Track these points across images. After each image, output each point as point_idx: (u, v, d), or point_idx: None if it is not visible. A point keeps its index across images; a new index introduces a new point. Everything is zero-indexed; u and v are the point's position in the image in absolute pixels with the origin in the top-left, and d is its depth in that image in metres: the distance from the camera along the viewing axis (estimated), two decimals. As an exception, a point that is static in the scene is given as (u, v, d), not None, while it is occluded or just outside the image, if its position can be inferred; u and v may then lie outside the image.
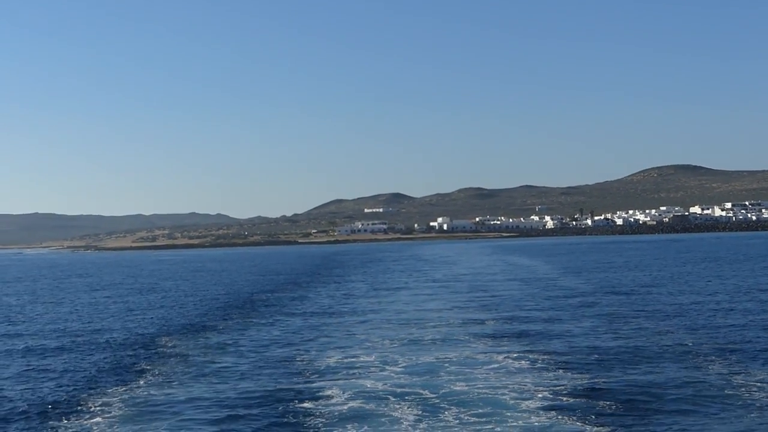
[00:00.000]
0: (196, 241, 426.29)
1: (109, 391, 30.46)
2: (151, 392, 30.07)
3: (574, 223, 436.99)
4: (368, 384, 30.32)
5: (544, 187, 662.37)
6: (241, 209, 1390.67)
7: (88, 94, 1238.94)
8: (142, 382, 31.83)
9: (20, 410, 27.91)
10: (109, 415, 26.67)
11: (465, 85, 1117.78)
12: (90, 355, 39.29)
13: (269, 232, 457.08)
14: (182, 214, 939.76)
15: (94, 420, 26.28)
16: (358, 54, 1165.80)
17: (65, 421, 26.25)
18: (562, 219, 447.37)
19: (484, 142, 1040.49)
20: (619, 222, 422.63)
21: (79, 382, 32.24)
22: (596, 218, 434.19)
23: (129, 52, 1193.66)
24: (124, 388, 30.83)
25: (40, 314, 62.20)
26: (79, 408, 27.98)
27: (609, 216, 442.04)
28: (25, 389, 31.22)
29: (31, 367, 36.23)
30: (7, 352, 41.40)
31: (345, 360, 35.77)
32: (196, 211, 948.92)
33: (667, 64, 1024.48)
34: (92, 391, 30.51)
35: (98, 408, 27.84)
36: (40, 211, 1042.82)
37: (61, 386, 31.49)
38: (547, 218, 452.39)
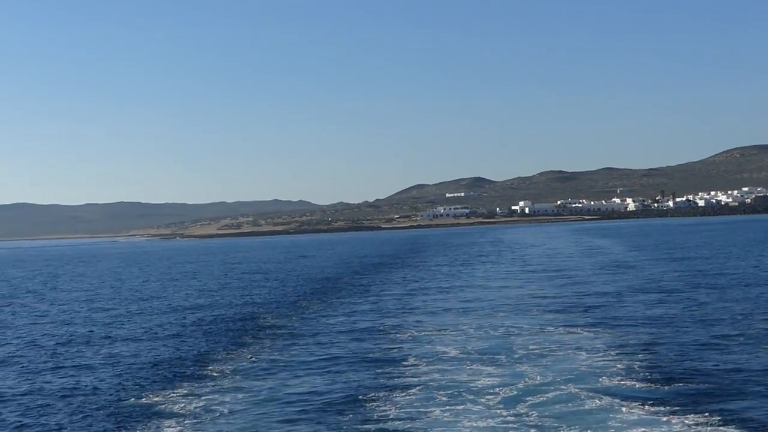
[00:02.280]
0: (280, 228, 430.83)
1: (222, 357, 34.61)
2: (262, 357, 34.20)
3: (655, 205, 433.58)
4: (450, 350, 33.96)
5: (625, 169, 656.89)
6: (323, 195, 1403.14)
7: (170, 86, 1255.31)
8: (267, 343, 36.52)
9: (167, 358, 32.07)
10: (225, 375, 30.58)
11: (545, 66, 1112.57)
12: (216, 325, 44.11)
13: (352, 218, 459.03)
14: (265, 201, 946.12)
15: (215, 376, 30.18)
16: (437, 36, 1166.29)
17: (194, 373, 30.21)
18: (643, 201, 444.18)
19: (565, 125, 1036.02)
20: (701, 203, 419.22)
21: (198, 347, 36.71)
22: (678, 200, 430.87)
23: (207, 44, 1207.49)
24: (248, 351, 35.42)
25: (186, 294, 67.70)
26: (203, 366, 31.99)
27: (691, 197, 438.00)
28: (174, 348, 35.89)
29: (174, 332, 41.24)
30: (156, 323, 46.53)
31: (428, 330, 39.64)
32: (279, 198, 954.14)
33: (752, 40, 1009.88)
34: (212, 355, 34.72)
35: (217, 372, 31.70)
36: (125, 200, 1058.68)
37: (202, 345, 36.22)
38: (629, 200, 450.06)
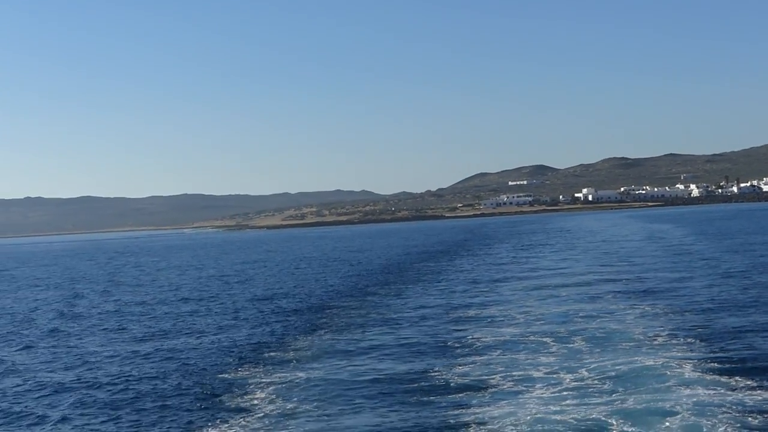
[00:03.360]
0: (344, 218, 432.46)
1: (300, 337, 36.84)
2: (336, 338, 36.40)
3: (719, 191, 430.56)
4: (514, 330, 36.00)
5: (688, 155, 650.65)
6: (386, 185, 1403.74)
7: (232, 80, 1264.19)
8: (341, 327, 38.68)
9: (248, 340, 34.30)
10: (304, 355, 32.60)
11: (607, 50, 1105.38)
12: (292, 306, 46.59)
13: (415, 207, 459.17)
14: (327, 191, 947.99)
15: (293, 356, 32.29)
16: (499, 21, 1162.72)
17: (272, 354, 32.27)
18: (707, 187, 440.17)
19: (628, 111, 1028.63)
20: (766, 188, 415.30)
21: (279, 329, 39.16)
22: (742, 185, 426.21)
23: (273, 38, 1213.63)
24: (321, 333, 37.58)
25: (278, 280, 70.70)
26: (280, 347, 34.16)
27: (755, 183, 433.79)
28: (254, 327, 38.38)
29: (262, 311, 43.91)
30: (249, 305, 49.24)
31: (496, 313, 41.51)
32: (341, 188, 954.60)
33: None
34: (290, 338, 36.95)
35: (294, 351, 33.83)
36: (189, 192, 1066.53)
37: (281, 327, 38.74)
38: (693, 186, 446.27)
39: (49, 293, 71.42)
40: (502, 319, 40.01)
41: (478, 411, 23.54)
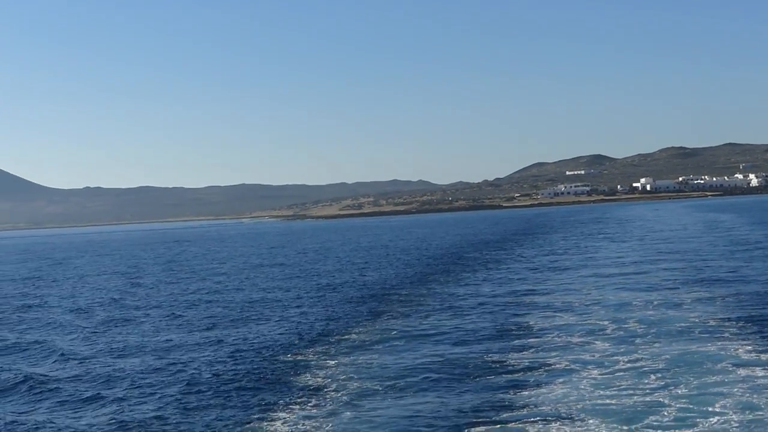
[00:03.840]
0: (401, 208, 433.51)
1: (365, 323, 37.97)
2: (398, 323, 37.37)
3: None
4: (570, 316, 36.77)
5: (747, 144, 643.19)
6: (442, 175, 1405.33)
7: (289, 72, 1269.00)
8: (403, 312, 39.83)
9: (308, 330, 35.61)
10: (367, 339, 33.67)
11: (665, 40, 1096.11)
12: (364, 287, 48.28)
13: (472, 197, 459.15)
14: (384, 181, 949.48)
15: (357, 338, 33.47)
16: (563, 7, 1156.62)
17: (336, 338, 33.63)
18: (766, 176, 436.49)
19: (686, 100, 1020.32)
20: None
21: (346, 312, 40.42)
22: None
23: (331, 31, 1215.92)
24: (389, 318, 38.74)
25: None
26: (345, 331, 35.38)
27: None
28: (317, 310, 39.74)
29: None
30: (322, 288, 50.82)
31: (555, 302, 42.16)
32: (398, 178, 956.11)
33: None
34: (354, 322, 38.12)
35: (359, 336, 34.98)
36: (246, 182, 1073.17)
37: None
38: (752, 176, 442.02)
39: (116, 281, 73.22)
40: (559, 305, 40.75)
41: (534, 392, 24.16)
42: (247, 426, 22.44)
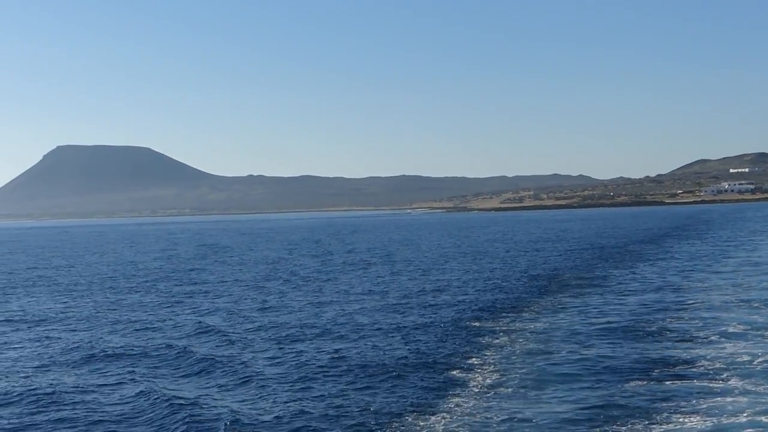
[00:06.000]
0: (562, 202, 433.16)
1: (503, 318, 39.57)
2: (564, 312, 39.45)
3: None
4: (729, 314, 36.46)
5: None
6: (603, 170, 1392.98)
7: (450, 66, 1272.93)
8: (565, 299, 44.77)
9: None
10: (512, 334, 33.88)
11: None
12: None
13: (634, 193, 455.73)
14: (544, 175, 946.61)
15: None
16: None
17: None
18: None
19: None
20: None
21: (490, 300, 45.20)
22: None
23: (485, 28, 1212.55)
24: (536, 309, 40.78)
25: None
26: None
27: None
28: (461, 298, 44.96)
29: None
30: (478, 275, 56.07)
31: (710, 303, 40.74)
32: (558, 172, 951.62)
33: None
34: (524, 301, 42.93)
35: (529, 312, 39.17)
36: (406, 174, 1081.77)
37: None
38: None
39: (306, 261, 79.18)
40: (717, 309, 39.03)
41: (688, 391, 24.03)
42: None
